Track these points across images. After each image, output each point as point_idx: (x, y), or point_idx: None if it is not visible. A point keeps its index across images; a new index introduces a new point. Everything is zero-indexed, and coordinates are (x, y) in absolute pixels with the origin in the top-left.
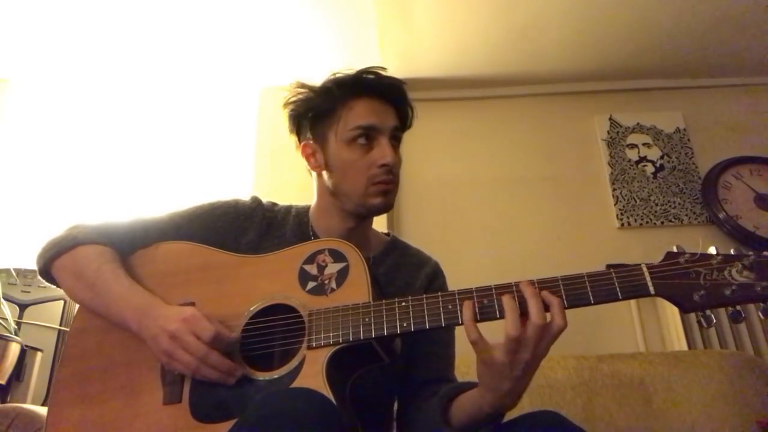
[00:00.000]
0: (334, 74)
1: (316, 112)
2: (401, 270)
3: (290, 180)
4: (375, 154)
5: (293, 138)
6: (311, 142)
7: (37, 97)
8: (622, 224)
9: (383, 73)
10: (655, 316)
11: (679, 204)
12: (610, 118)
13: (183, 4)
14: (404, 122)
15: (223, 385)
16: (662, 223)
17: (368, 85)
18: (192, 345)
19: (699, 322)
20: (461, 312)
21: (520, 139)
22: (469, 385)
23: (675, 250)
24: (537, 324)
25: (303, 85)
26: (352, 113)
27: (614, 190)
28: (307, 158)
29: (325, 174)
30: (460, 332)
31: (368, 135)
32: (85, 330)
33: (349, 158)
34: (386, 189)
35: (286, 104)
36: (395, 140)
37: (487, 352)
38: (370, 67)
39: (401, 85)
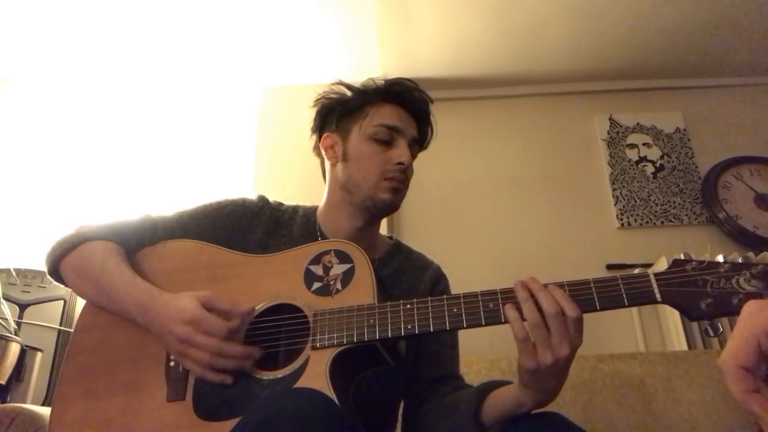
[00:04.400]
0: (371, 79)
1: (345, 107)
2: (405, 273)
3: (290, 180)
4: (393, 152)
5: (313, 136)
6: (333, 134)
7: (36, 97)
8: (622, 224)
9: (416, 88)
10: (655, 317)
11: (679, 204)
12: (610, 118)
13: (184, 5)
14: (423, 139)
15: (226, 384)
16: (662, 223)
17: (398, 94)
18: (204, 344)
19: (706, 330)
20: (502, 314)
21: (519, 139)
22: (502, 383)
23: (682, 257)
24: (552, 313)
25: (341, 83)
26: (379, 113)
27: (614, 190)
28: (326, 149)
29: (339, 166)
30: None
31: (389, 135)
32: (91, 326)
33: (368, 151)
34: (397, 186)
35: (319, 99)
36: (412, 151)
37: (532, 357)
38: (405, 80)
39: (428, 103)
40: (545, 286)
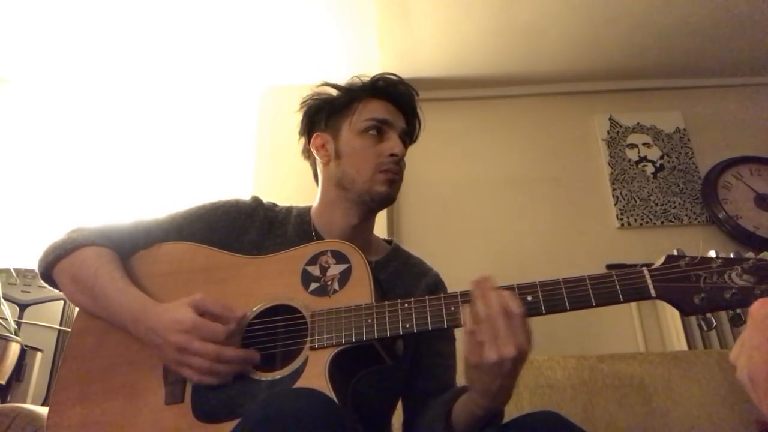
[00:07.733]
0: (356, 77)
1: (332, 106)
2: (402, 277)
3: (290, 180)
4: (385, 145)
5: (302, 139)
6: (323, 133)
7: (36, 97)
8: (622, 224)
9: (400, 81)
10: (655, 317)
11: (679, 204)
12: (610, 118)
13: (183, 5)
14: (412, 132)
15: (225, 385)
16: (662, 223)
17: (384, 89)
18: (202, 350)
19: (699, 325)
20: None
21: (519, 139)
22: (462, 390)
23: (675, 253)
24: (498, 309)
25: (326, 83)
26: (367, 108)
27: (614, 190)
28: (318, 149)
29: (333, 164)
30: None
31: (380, 128)
32: (86, 330)
33: (360, 146)
34: (392, 178)
35: (305, 100)
36: (402, 143)
37: (477, 353)
38: (390, 74)
39: (414, 96)
40: (542, 289)
